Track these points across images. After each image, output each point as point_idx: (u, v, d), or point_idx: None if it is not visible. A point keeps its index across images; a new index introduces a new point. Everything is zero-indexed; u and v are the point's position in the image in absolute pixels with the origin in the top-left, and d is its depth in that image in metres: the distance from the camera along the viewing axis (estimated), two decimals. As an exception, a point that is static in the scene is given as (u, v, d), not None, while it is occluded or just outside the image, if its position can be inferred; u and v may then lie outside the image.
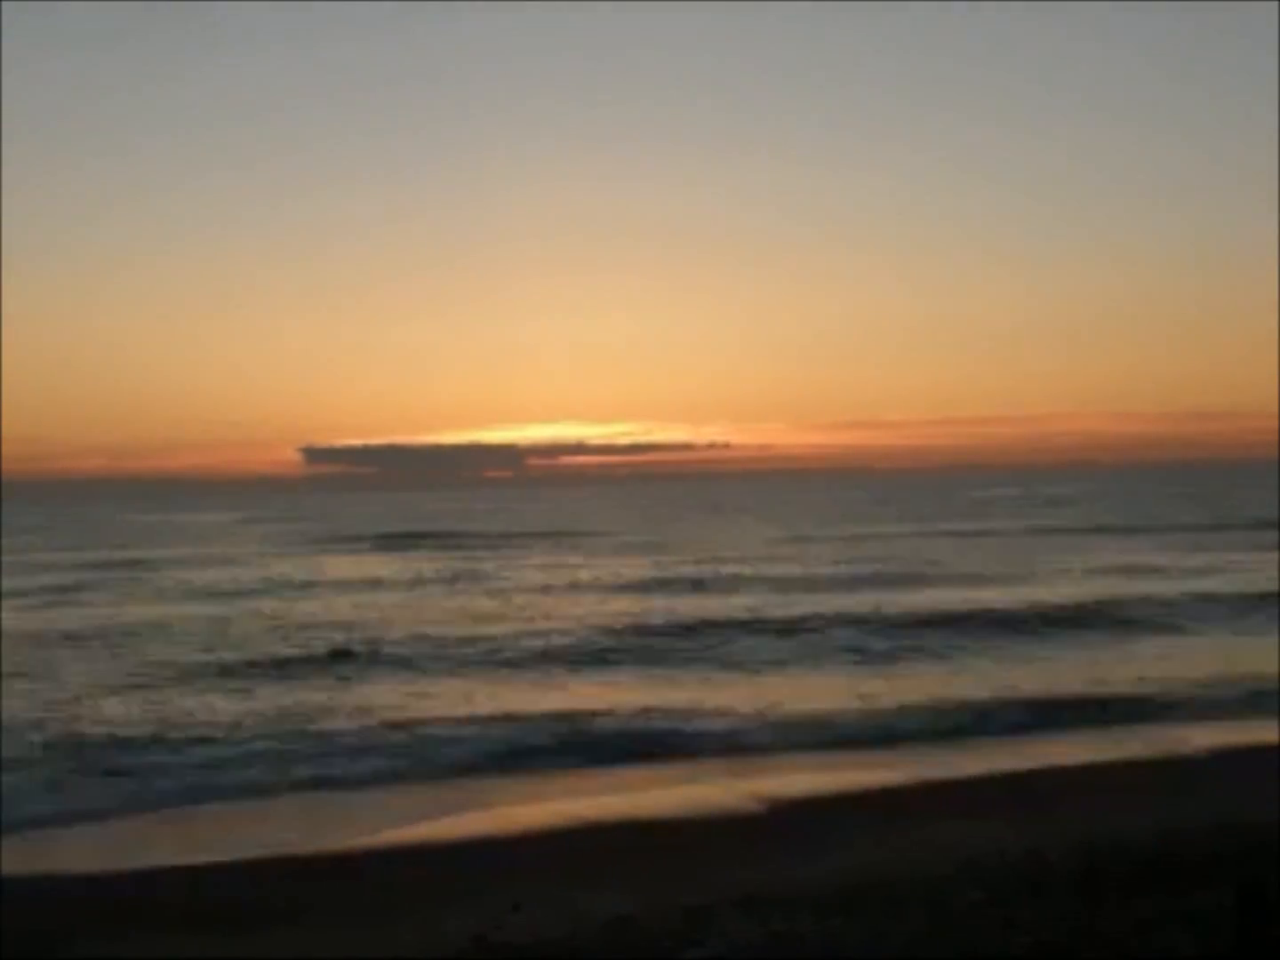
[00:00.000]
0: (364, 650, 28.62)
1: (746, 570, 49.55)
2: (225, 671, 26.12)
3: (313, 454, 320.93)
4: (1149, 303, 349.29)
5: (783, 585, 43.26)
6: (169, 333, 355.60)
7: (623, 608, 37.26)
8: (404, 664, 26.89)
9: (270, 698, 23.02)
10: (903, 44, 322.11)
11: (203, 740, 19.56)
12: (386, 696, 22.99)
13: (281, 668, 26.55)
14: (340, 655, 27.90)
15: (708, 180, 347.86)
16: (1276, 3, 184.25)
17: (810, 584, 43.60)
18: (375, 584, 48.02)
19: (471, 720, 20.63)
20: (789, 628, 31.53)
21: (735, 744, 19.31)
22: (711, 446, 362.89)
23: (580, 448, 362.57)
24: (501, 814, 15.68)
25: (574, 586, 45.18)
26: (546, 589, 44.12)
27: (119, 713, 21.81)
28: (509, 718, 20.76)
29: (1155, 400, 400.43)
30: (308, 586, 47.20)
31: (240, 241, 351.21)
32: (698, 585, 43.80)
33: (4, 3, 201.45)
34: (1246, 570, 44.95)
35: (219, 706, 22.33)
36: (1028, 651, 28.05)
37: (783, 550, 61.01)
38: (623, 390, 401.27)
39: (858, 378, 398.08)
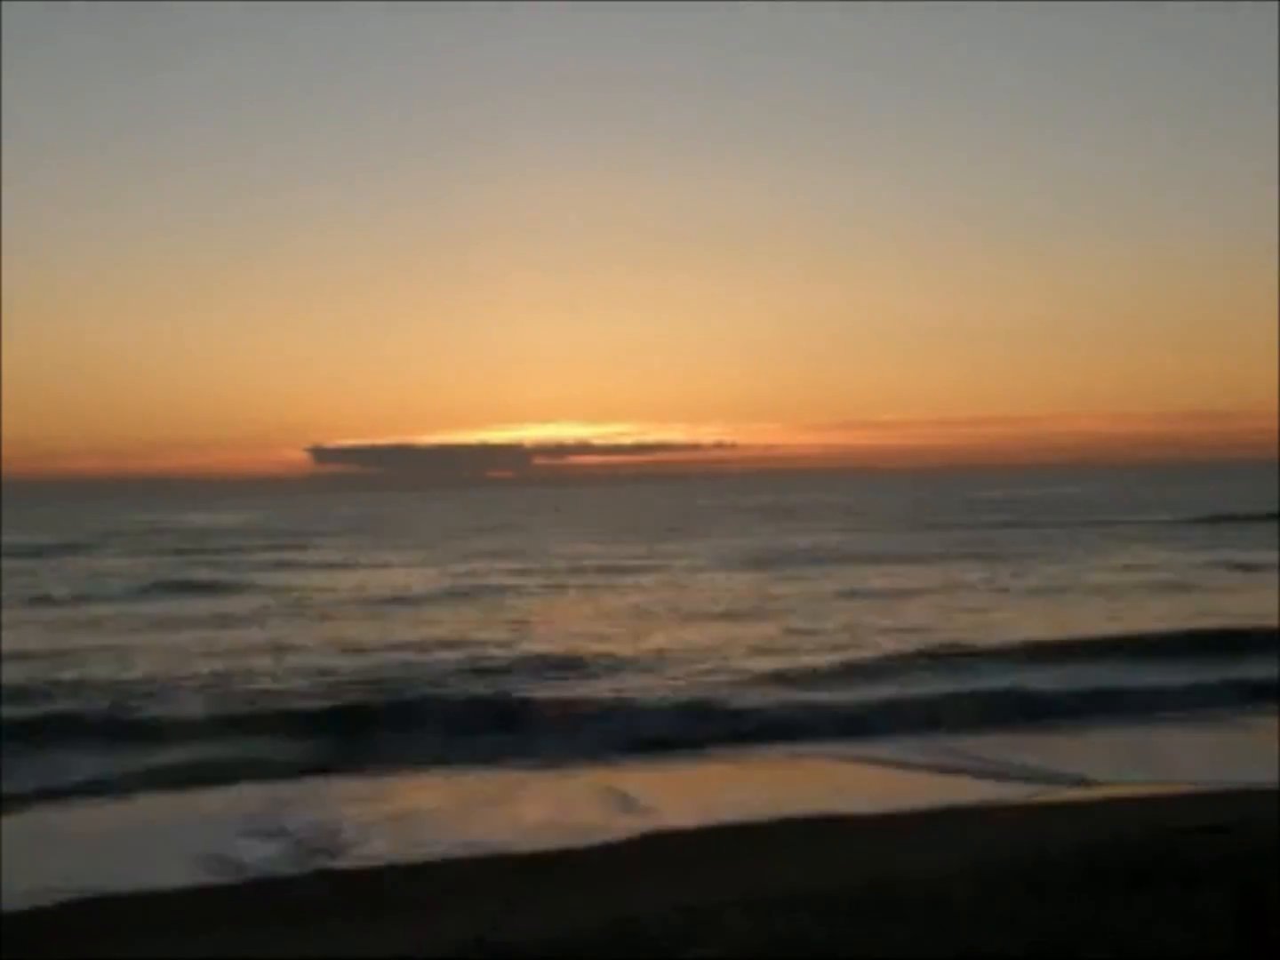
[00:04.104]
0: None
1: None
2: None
3: (320, 454, 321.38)
4: (1148, 303, 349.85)
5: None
6: (171, 332, 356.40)
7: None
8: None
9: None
10: (903, 42, 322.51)
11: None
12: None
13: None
14: None
15: (708, 181, 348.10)
16: (1276, 2, 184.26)
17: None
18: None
19: None
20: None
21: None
22: (718, 446, 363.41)
23: (586, 447, 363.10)
24: (500, 813, 15.70)
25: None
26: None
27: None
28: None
29: (1154, 401, 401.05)
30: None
31: (244, 241, 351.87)
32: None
33: (3, 2, 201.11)
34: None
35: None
36: None
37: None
38: (619, 390, 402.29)
39: (854, 378, 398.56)
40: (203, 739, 19.71)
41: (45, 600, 41.84)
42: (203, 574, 51.58)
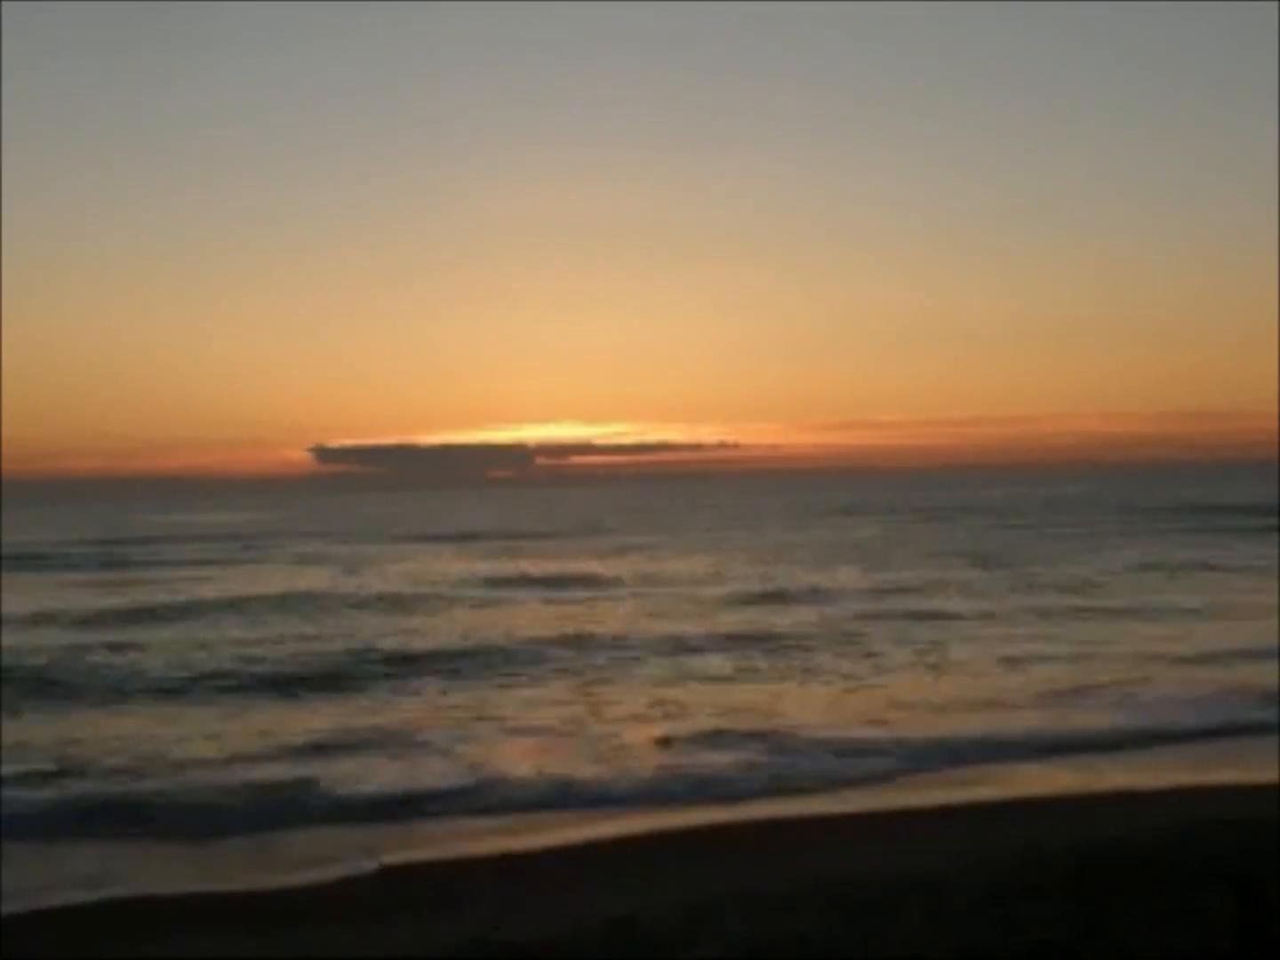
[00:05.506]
0: None
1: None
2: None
3: (322, 454, 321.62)
4: (1145, 302, 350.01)
5: None
6: (173, 333, 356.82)
7: None
8: None
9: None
10: (898, 43, 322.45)
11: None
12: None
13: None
14: None
15: (709, 184, 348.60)
16: (1276, 2, 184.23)
17: None
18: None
19: None
20: None
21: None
22: (721, 446, 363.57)
23: (588, 447, 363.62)
24: (499, 813, 15.68)
25: None
26: None
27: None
28: None
29: (1151, 400, 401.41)
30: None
31: (247, 242, 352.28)
32: None
33: (3, 4, 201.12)
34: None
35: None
36: None
37: None
38: (617, 391, 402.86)
39: (853, 378, 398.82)
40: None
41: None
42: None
